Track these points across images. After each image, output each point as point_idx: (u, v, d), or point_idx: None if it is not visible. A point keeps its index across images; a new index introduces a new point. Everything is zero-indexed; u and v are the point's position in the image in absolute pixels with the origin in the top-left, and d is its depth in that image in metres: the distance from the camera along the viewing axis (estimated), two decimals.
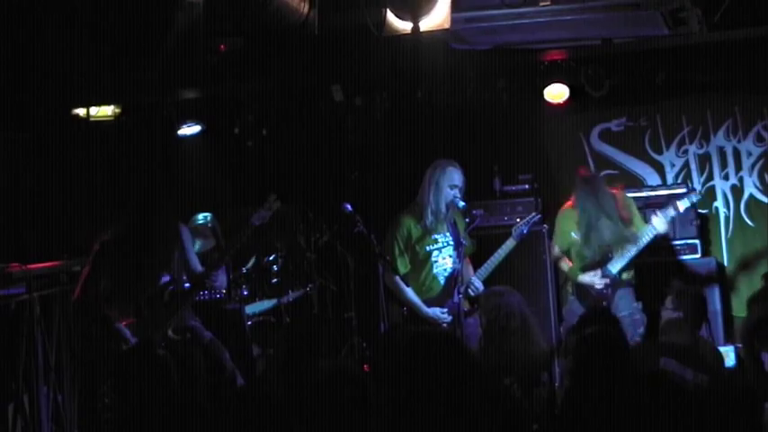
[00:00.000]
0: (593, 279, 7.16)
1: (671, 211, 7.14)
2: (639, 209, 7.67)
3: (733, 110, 8.54)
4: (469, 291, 6.76)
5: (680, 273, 7.97)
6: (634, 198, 7.85)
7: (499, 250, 6.87)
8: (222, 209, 8.27)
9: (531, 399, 5.37)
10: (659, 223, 7.09)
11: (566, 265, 7.39)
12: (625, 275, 7.18)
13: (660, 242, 7.49)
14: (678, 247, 8.14)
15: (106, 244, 6.13)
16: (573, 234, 7.25)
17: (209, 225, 7.81)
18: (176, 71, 6.83)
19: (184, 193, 8.44)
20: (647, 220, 7.27)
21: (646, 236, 7.11)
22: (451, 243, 6.83)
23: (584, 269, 7.21)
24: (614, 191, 7.39)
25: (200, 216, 7.89)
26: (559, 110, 8.58)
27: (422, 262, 6.85)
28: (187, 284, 6.37)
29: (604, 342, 4.27)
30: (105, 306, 6.04)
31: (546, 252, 8.01)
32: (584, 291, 7.18)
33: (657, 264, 7.95)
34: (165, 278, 6.28)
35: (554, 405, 5.53)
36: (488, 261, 6.87)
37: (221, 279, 6.28)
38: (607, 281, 7.11)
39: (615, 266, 7.13)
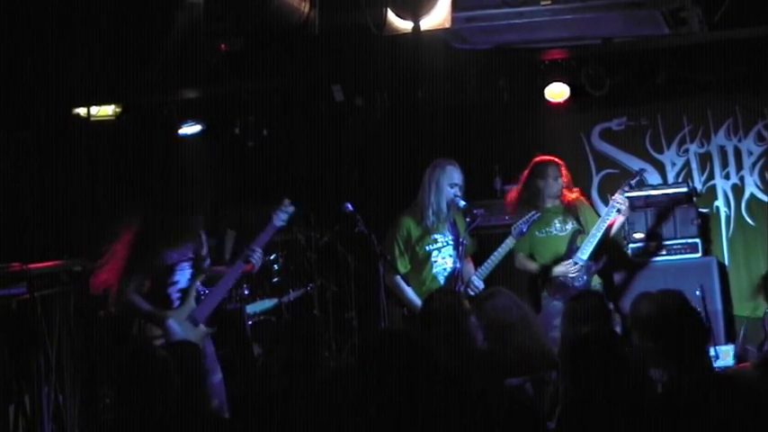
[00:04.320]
0: (567, 268, 7.16)
1: (625, 188, 7.24)
2: (639, 207, 7.72)
3: (734, 109, 8.53)
4: (469, 290, 6.75)
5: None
6: (634, 197, 7.85)
7: (499, 249, 6.87)
8: (222, 208, 8.28)
9: (542, 398, 5.37)
10: (618, 203, 7.16)
11: (533, 264, 7.34)
12: (590, 262, 7.19)
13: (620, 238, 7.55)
14: (677, 246, 8.14)
15: (138, 234, 6.17)
16: (536, 233, 7.25)
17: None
18: (177, 71, 6.85)
19: (184, 192, 8.44)
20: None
21: (607, 218, 7.15)
22: (451, 243, 6.84)
23: (555, 261, 7.21)
24: (573, 197, 7.40)
25: None
26: (560, 109, 8.57)
27: (422, 262, 6.86)
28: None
29: (602, 342, 4.27)
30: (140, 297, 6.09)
31: None
32: (558, 287, 7.14)
33: (626, 264, 8.01)
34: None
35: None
36: (488, 260, 6.87)
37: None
38: (579, 267, 7.11)
39: (585, 253, 7.13)
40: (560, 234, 7.25)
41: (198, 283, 6.35)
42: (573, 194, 7.44)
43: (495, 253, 6.86)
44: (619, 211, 7.18)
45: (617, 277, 7.98)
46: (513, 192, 7.51)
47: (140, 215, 6.23)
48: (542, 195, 7.25)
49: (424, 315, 5.74)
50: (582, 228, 7.24)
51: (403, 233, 6.85)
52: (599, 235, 7.15)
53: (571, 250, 7.17)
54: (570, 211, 7.29)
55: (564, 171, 7.36)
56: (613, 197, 7.24)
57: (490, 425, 4.14)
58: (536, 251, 7.28)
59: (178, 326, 6.06)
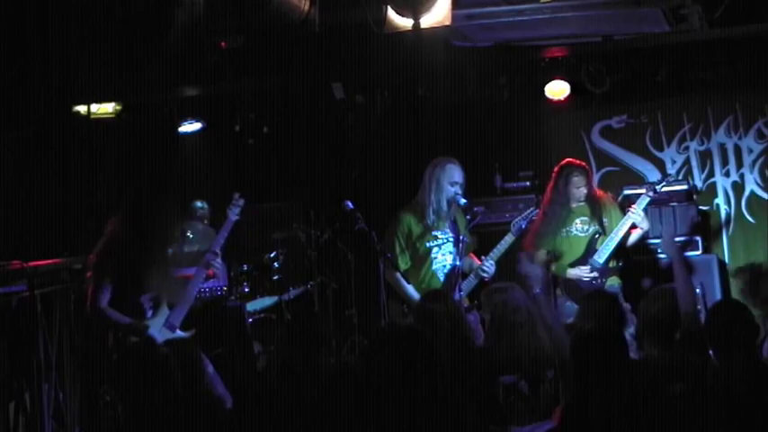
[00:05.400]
0: (581, 272, 7.17)
1: (644, 201, 7.21)
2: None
3: (734, 106, 8.54)
4: (482, 273, 6.77)
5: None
6: (635, 195, 7.87)
7: (498, 246, 6.87)
8: (222, 206, 8.27)
9: (537, 396, 5.36)
10: (633, 214, 7.15)
11: (544, 258, 7.36)
12: (612, 264, 7.19)
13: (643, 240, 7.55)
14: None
15: (102, 250, 6.09)
16: (557, 232, 7.26)
17: (205, 211, 8.29)
18: (177, 68, 6.84)
19: (185, 190, 8.46)
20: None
21: (623, 225, 7.15)
22: (451, 240, 6.84)
23: (572, 264, 7.23)
24: (601, 194, 7.43)
25: (198, 203, 8.29)
26: (560, 107, 8.57)
27: (422, 258, 6.85)
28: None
29: (603, 340, 4.27)
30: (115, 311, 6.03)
31: None
32: (573, 288, 7.17)
33: (645, 263, 7.99)
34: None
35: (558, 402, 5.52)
36: (490, 254, 6.87)
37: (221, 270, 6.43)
38: (595, 273, 7.13)
39: (601, 257, 7.15)
40: (580, 235, 7.26)
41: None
42: (602, 194, 7.48)
43: (495, 249, 6.86)
44: (634, 224, 7.17)
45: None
46: (546, 191, 7.51)
47: (114, 221, 6.16)
48: (566, 197, 7.26)
49: (418, 315, 5.74)
50: (603, 230, 7.24)
51: (404, 229, 6.85)
52: (617, 239, 7.16)
53: (589, 252, 7.19)
54: (595, 211, 7.28)
55: (589, 174, 7.38)
56: (631, 208, 7.23)
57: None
58: (556, 250, 7.29)
59: (159, 334, 6.01)
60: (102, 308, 5.97)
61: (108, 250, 6.04)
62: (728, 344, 4.39)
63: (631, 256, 7.58)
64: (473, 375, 4.99)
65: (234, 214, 6.55)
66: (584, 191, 7.26)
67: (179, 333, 6.14)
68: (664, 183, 7.48)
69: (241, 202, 6.59)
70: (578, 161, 7.42)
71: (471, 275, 6.83)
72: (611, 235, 7.17)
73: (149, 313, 6.12)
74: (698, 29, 6.52)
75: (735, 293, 8.19)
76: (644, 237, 7.41)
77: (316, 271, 8.56)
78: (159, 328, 6.05)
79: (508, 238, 6.88)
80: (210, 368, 6.10)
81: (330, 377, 4.31)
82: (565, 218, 7.27)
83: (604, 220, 7.27)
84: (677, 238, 8.06)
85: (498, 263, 6.83)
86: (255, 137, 8.98)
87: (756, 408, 4.01)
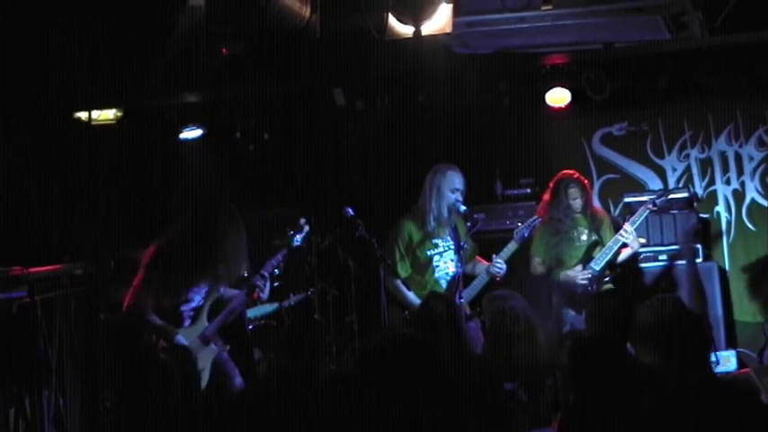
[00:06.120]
0: (575, 274, 7.18)
1: (643, 213, 7.29)
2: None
3: (735, 114, 8.53)
4: (494, 270, 6.79)
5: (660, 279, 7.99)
6: (636, 203, 7.87)
7: (501, 253, 6.87)
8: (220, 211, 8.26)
9: (537, 404, 5.36)
10: (626, 233, 7.19)
11: (543, 268, 7.40)
12: (607, 272, 7.21)
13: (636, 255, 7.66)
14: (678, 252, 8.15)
15: (162, 248, 6.11)
16: (553, 241, 7.28)
17: None
18: (178, 75, 6.86)
19: (185, 196, 8.45)
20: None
21: (617, 242, 7.20)
22: (452, 247, 6.84)
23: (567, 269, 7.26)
24: (597, 210, 7.52)
25: None
26: (561, 114, 8.56)
27: (423, 266, 6.86)
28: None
29: (601, 347, 4.27)
30: (153, 313, 6.04)
31: None
32: (569, 295, 7.17)
33: (639, 273, 8.00)
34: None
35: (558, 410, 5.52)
36: (500, 254, 6.88)
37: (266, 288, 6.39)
38: (588, 275, 7.14)
39: (598, 264, 7.16)
40: (577, 244, 7.29)
41: (212, 299, 6.26)
42: (599, 211, 7.55)
43: (504, 251, 6.87)
44: (625, 243, 7.20)
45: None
46: (543, 200, 7.53)
47: (165, 240, 6.18)
48: (563, 208, 7.28)
49: (420, 318, 5.74)
50: (600, 240, 7.28)
51: (404, 237, 6.86)
52: (615, 248, 7.20)
53: (586, 260, 7.20)
54: (593, 223, 7.33)
55: (586, 187, 7.41)
56: (624, 226, 7.27)
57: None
58: (554, 259, 7.30)
59: (190, 344, 6.02)
60: (142, 305, 6.01)
61: (163, 255, 6.07)
62: (683, 355, 4.35)
63: (626, 265, 7.57)
64: (473, 382, 4.99)
65: (296, 241, 6.47)
66: (580, 202, 7.31)
67: (212, 346, 6.16)
68: (662, 198, 7.52)
69: (306, 228, 6.49)
70: (575, 173, 7.45)
71: (483, 273, 6.83)
72: (610, 244, 7.22)
73: (187, 322, 6.17)
74: (699, 36, 6.53)
75: (735, 295, 8.21)
76: (633, 256, 7.50)
77: (316, 277, 8.54)
78: (193, 339, 6.08)
79: (511, 246, 6.91)
80: (239, 380, 6.14)
81: (330, 384, 4.30)
82: (564, 228, 7.28)
83: (600, 232, 7.33)
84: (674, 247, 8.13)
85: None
86: (256, 143, 8.99)
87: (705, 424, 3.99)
